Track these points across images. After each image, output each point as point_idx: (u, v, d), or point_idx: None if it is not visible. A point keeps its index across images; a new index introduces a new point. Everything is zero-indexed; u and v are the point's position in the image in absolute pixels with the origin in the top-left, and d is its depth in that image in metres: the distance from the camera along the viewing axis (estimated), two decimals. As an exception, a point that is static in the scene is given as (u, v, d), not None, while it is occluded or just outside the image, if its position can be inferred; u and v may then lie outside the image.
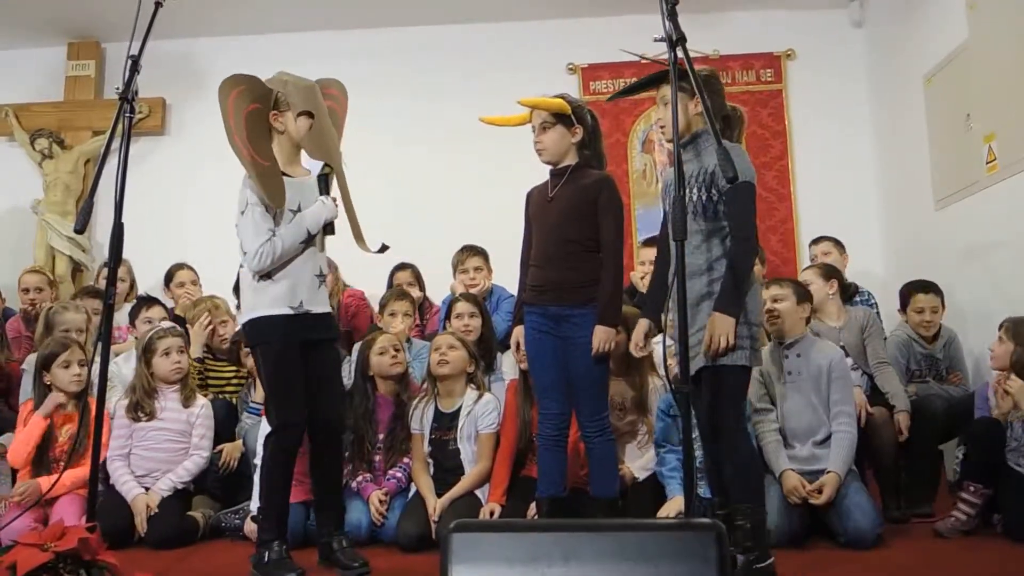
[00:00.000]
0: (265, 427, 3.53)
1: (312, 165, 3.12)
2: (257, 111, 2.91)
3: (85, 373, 3.59)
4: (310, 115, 2.96)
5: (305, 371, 2.97)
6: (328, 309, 3.08)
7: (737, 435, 2.74)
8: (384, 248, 3.18)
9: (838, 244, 4.76)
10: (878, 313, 4.37)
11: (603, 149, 3.19)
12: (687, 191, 2.72)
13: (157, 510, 3.45)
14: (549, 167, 3.16)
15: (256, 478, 3.49)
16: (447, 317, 4.16)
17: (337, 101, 3.18)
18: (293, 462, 2.99)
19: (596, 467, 3.09)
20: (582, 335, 2.99)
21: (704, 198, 2.75)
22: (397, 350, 3.71)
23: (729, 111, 2.89)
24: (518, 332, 3.18)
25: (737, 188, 2.62)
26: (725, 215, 2.73)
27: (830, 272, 4.17)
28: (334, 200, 3.02)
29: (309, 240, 2.96)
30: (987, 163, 4.23)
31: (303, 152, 3.10)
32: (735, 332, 2.64)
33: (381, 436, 3.67)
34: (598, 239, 3.04)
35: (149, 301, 4.40)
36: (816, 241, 4.86)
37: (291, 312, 2.91)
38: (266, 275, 2.91)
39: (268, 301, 2.91)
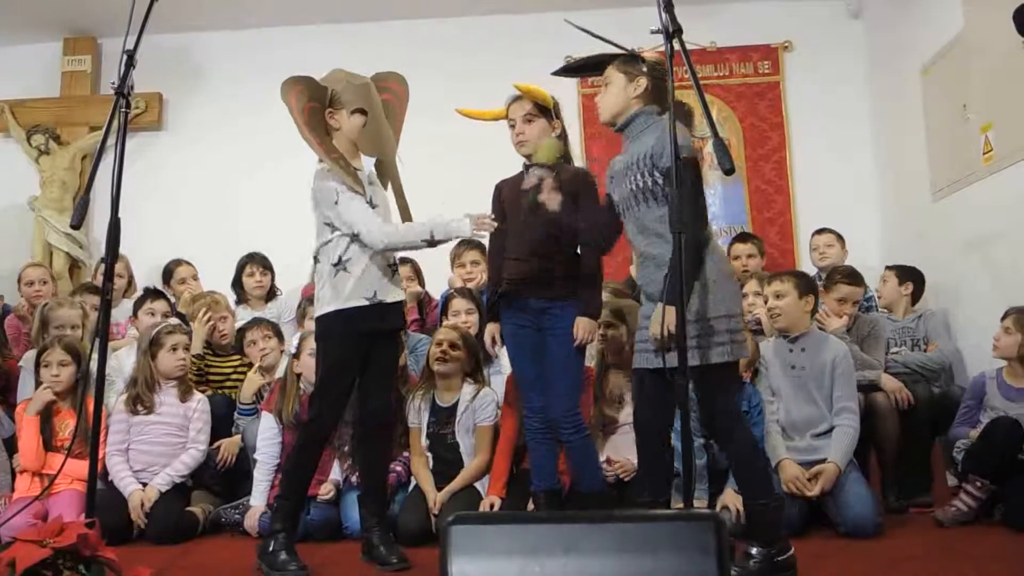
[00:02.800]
0: (266, 424, 3.57)
1: (367, 160, 3.15)
2: (314, 109, 2.97)
3: (64, 373, 3.61)
4: (363, 112, 3.00)
5: (369, 361, 3.02)
6: (401, 297, 3.12)
7: (734, 432, 2.64)
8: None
9: (840, 237, 4.77)
10: (877, 307, 4.40)
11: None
12: (636, 178, 2.68)
13: (149, 510, 3.45)
14: (525, 162, 3.16)
15: (255, 473, 3.52)
16: (443, 313, 4.16)
17: (395, 94, 3.22)
18: (320, 454, 3.05)
19: (580, 462, 3.10)
20: (561, 325, 3.03)
21: (650, 182, 2.65)
22: None
23: (672, 105, 2.73)
24: (494, 328, 3.19)
25: (683, 168, 2.44)
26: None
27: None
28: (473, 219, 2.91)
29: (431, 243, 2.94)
30: (984, 153, 4.22)
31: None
32: (678, 324, 2.40)
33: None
34: (575, 232, 3.07)
35: (155, 294, 4.39)
36: (820, 232, 4.85)
37: (365, 303, 2.95)
38: (342, 267, 2.94)
39: (344, 295, 2.94)
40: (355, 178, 2.93)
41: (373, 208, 2.98)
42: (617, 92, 2.76)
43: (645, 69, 2.74)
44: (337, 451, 3.55)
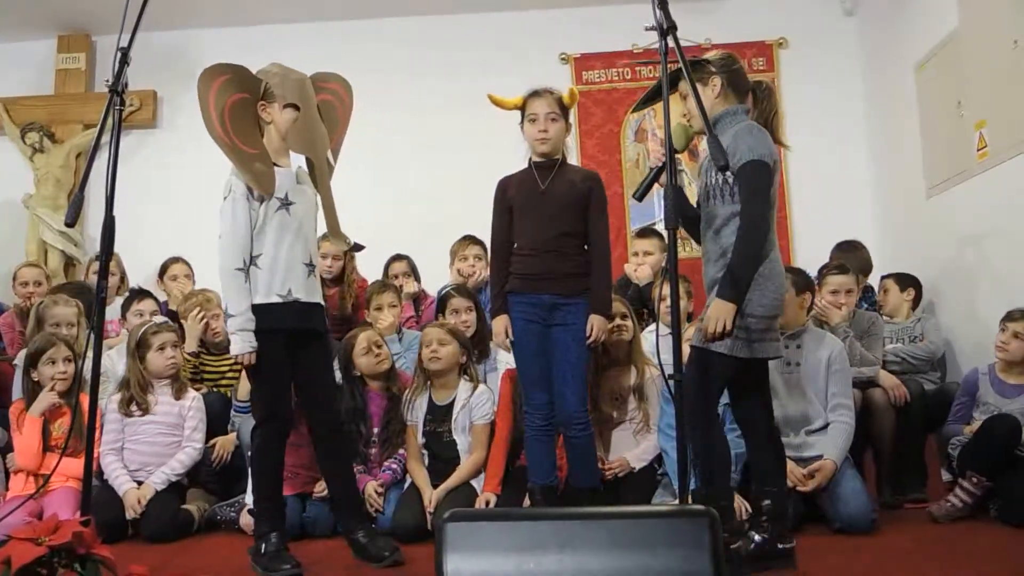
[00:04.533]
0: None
1: (297, 158, 3.11)
2: (244, 100, 2.92)
3: (70, 370, 3.59)
4: (296, 107, 2.95)
5: (297, 366, 2.97)
6: (319, 300, 3.05)
7: (703, 420, 2.66)
8: (358, 247, 3.17)
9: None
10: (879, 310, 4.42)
11: None
12: (709, 175, 2.74)
13: (145, 507, 3.44)
14: (535, 158, 3.18)
15: (250, 470, 3.51)
16: (440, 311, 4.16)
17: (336, 95, 3.17)
18: (281, 453, 2.99)
19: (580, 458, 3.12)
20: (574, 321, 3.05)
21: (720, 180, 2.70)
22: (379, 346, 3.69)
23: (753, 87, 2.85)
24: (505, 321, 3.17)
25: (744, 168, 2.60)
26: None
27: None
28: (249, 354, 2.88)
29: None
30: (978, 150, 4.23)
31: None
32: (733, 320, 2.57)
33: (376, 430, 3.67)
34: (586, 232, 3.12)
35: (141, 294, 4.39)
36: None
37: (279, 300, 2.90)
38: (253, 263, 2.90)
39: (256, 290, 2.89)
40: (262, 180, 2.87)
41: (289, 205, 2.93)
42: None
43: (713, 69, 2.76)
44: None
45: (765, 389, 2.86)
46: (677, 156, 2.82)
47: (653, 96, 2.98)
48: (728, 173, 2.65)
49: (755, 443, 2.84)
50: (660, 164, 2.81)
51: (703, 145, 2.76)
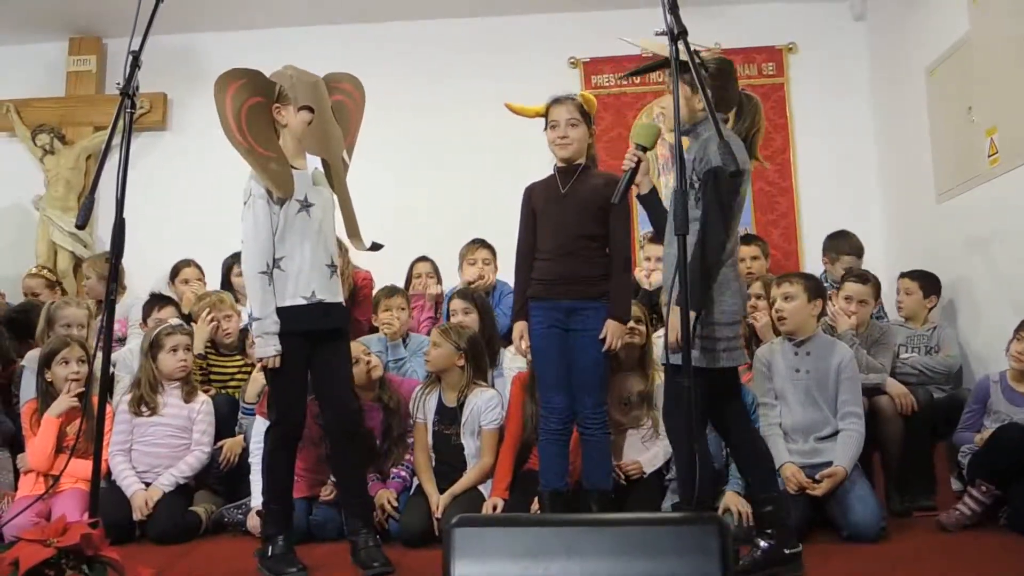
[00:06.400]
0: (258, 424, 3.54)
1: (313, 159, 3.13)
2: (260, 104, 2.94)
3: (84, 370, 3.60)
4: (310, 109, 2.97)
5: (316, 366, 2.98)
6: (340, 299, 3.08)
7: (689, 435, 2.54)
8: (377, 246, 3.19)
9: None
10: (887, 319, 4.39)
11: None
12: (688, 179, 2.72)
13: (152, 509, 3.45)
14: (558, 164, 3.21)
15: (251, 476, 3.50)
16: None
17: (349, 96, 3.20)
18: (293, 455, 3.01)
19: (594, 459, 3.13)
20: (592, 326, 3.06)
21: (698, 187, 2.71)
22: (367, 354, 3.69)
23: (743, 99, 2.86)
24: (523, 327, 3.19)
25: (709, 175, 2.60)
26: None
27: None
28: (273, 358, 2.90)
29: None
30: (989, 156, 4.21)
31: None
32: (693, 328, 2.50)
33: (378, 443, 3.66)
34: (607, 236, 3.13)
35: (162, 300, 4.40)
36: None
37: (303, 303, 2.92)
38: (277, 266, 2.92)
39: (281, 293, 2.91)
40: (280, 182, 2.89)
41: (309, 207, 2.95)
42: (683, 102, 2.71)
43: (708, 80, 2.74)
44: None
45: (738, 397, 2.86)
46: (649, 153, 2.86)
47: (651, 67, 3.04)
48: (694, 177, 2.67)
49: (737, 452, 2.85)
50: (634, 166, 2.81)
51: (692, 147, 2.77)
